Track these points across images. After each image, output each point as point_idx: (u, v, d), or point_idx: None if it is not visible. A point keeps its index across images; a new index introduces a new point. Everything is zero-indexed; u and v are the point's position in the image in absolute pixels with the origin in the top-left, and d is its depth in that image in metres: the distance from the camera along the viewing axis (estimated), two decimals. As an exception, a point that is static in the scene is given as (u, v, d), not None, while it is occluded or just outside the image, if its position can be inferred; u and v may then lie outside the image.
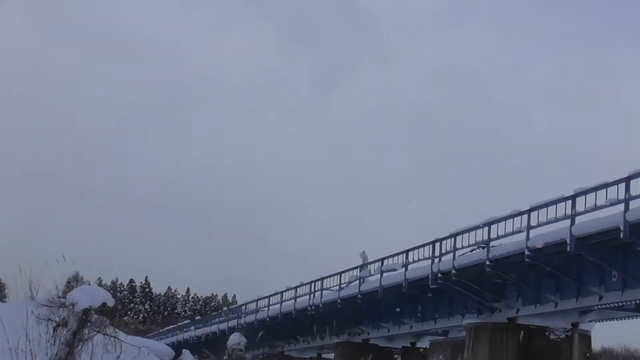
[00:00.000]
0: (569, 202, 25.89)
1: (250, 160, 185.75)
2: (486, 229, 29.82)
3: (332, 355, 47.50)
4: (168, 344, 55.47)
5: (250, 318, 51.73)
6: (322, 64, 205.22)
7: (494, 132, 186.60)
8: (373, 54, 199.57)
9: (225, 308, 64.81)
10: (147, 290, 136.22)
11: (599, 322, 31.63)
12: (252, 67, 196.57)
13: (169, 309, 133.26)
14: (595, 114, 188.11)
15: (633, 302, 26.74)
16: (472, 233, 30.69)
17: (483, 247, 30.22)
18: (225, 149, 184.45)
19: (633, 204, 23.53)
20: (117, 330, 22.82)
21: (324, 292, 43.05)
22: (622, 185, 23.79)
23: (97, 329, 21.94)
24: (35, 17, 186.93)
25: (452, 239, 31.99)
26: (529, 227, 27.44)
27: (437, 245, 33.05)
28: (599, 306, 27.80)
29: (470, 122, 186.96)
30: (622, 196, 23.78)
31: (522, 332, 31.09)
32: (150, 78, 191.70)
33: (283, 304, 47.90)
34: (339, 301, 40.87)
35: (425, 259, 33.85)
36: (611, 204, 24.41)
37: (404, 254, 35.82)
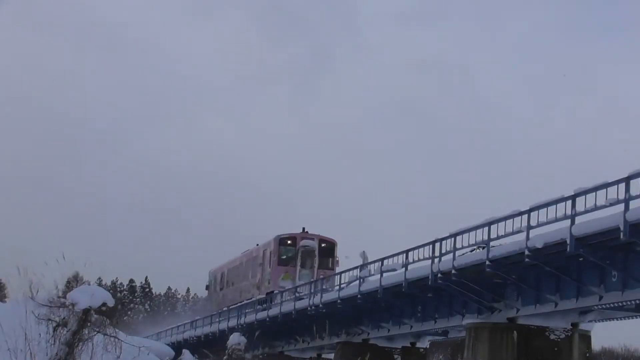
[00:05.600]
0: (569, 202, 25.88)
1: (247, 158, 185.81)
2: (486, 229, 29.81)
3: (332, 355, 47.45)
4: (168, 344, 55.42)
5: (250, 318, 51.69)
6: (305, 56, 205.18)
7: (486, 126, 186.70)
8: (356, 45, 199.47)
9: (225, 308, 64.87)
10: (147, 290, 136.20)
11: (599, 322, 31.62)
12: (234, 60, 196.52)
13: (169, 309, 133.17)
14: (592, 111, 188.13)
15: (633, 302, 26.73)
16: (472, 233, 30.67)
17: (483, 247, 30.21)
18: (221, 146, 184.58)
19: (633, 204, 23.52)
20: (117, 330, 22.80)
21: (324, 292, 43.01)
22: (622, 185, 23.79)
23: (97, 329, 21.92)
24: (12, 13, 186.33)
25: (452, 239, 31.97)
26: (529, 227, 27.42)
27: (437, 245, 33.03)
28: (599, 306, 27.79)
29: (460, 116, 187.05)
30: (622, 196, 23.77)
31: (522, 332, 31.08)
32: (135, 74, 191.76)
33: (283, 304, 47.86)
34: (339, 301, 40.85)
35: (425, 259, 33.82)
36: (611, 204, 24.41)
37: (404, 254, 35.81)
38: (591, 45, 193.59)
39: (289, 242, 54.54)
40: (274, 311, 48.73)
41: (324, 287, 43.69)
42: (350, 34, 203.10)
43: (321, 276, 48.30)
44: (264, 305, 50.73)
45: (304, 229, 54.72)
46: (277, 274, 53.40)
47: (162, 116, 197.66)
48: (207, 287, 72.92)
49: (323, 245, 54.39)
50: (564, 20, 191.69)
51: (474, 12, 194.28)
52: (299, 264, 53.32)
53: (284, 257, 54.20)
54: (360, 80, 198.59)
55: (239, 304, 57.45)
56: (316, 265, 53.36)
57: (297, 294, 46.59)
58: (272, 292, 52.38)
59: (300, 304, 45.26)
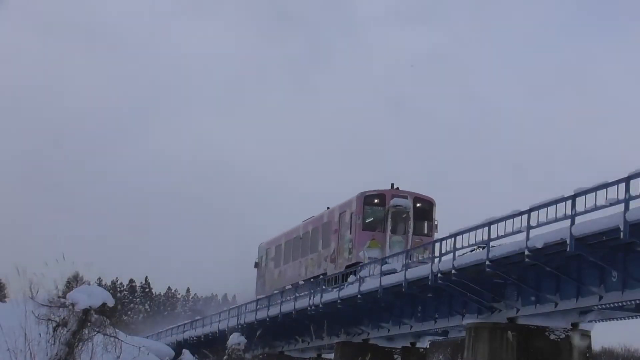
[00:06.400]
0: (569, 202, 25.88)
1: (245, 156, 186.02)
2: (486, 229, 29.81)
3: (332, 355, 47.41)
4: (168, 344, 55.46)
5: (250, 318, 51.67)
6: (302, 53, 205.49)
7: (483, 124, 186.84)
8: (353, 42, 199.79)
9: (225, 308, 63.95)
10: (147, 290, 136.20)
11: (599, 322, 31.62)
12: (231, 58, 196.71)
13: (169, 308, 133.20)
14: (591, 110, 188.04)
15: (633, 302, 26.72)
16: (472, 233, 30.66)
17: (483, 247, 30.19)
18: (218, 144, 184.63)
19: (633, 204, 23.52)
20: (117, 330, 22.82)
21: (324, 292, 42.96)
22: (622, 185, 23.79)
23: (97, 329, 21.95)
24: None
25: (452, 239, 31.96)
26: (529, 227, 27.41)
27: (437, 245, 33.01)
28: (599, 306, 27.78)
29: (456, 114, 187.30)
30: (622, 196, 23.77)
31: (522, 332, 31.07)
32: (131, 73, 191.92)
33: (283, 304, 47.84)
34: (339, 301, 40.82)
35: (425, 258, 33.80)
36: (611, 204, 24.41)
37: (404, 254, 35.76)
38: (589, 43, 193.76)
39: (376, 201, 43.40)
40: (274, 311, 48.68)
41: (421, 257, 35.75)
42: (348, 31, 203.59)
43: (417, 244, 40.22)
44: (349, 280, 40.72)
45: (392, 185, 44.10)
46: (361, 242, 42.64)
47: (160, 116, 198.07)
48: (256, 265, 60.24)
49: (418, 205, 43.42)
50: (562, 18, 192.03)
51: (470, 10, 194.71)
52: (389, 228, 42.57)
53: (370, 220, 43.52)
54: (357, 77, 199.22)
55: (303, 282, 48.33)
56: (410, 230, 42.67)
57: (390, 268, 36.92)
58: (356, 264, 42.07)
59: (301, 304, 45.18)
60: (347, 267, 42.86)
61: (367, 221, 43.26)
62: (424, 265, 34.35)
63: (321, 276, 45.59)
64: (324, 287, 42.91)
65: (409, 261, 34.96)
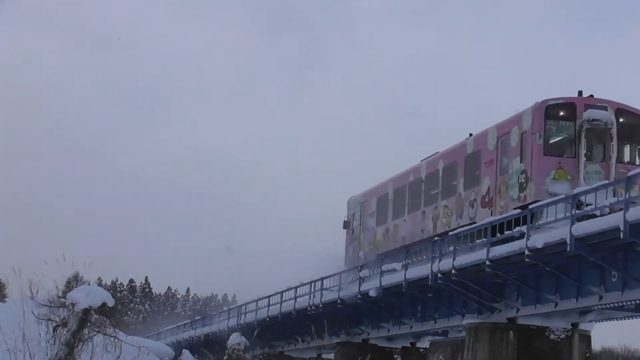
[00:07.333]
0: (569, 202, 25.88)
1: (242, 155, 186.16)
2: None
3: (332, 355, 47.42)
4: (168, 344, 55.44)
5: (250, 318, 51.65)
6: (298, 52, 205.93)
7: (481, 124, 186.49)
8: (350, 41, 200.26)
9: (225, 308, 63.65)
10: (147, 290, 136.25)
11: (599, 322, 31.64)
12: (228, 57, 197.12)
13: (169, 309, 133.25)
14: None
15: (633, 302, 26.74)
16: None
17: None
18: (217, 143, 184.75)
19: (633, 204, 23.53)
20: (117, 330, 22.82)
21: (324, 292, 42.93)
22: (622, 185, 23.81)
23: (97, 329, 21.96)
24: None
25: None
26: (529, 227, 27.40)
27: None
28: (599, 306, 27.79)
29: (454, 113, 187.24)
30: (622, 196, 23.77)
31: (522, 332, 31.07)
32: (128, 73, 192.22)
33: (283, 304, 47.83)
34: (339, 301, 40.83)
35: (425, 259, 33.71)
36: (611, 204, 24.41)
37: (404, 254, 35.73)
38: (588, 42, 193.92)
39: (562, 113, 30.29)
40: (274, 311, 48.69)
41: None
42: (344, 29, 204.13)
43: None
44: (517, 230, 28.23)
45: (580, 92, 30.86)
46: (542, 171, 29.89)
47: (159, 115, 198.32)
48: (346, 225, 46.18)
49: (623, 120, 30.59)
50: (561, 17, 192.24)
51: (468, 8, 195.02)
52: (582, 152, 29.84)
53: (555, 140, 30.43)
54: (353, 76, 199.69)
55: (426, 242, 35.20)
56: (614, 155, 30.00)
57: (584, 207, 26.20)
58: (533, 203, 29.03)
59: (300, 304, 45.17)
60: (517, 208, 30.12)
61: (550, 142, 30.35)
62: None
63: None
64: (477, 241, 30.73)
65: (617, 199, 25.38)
